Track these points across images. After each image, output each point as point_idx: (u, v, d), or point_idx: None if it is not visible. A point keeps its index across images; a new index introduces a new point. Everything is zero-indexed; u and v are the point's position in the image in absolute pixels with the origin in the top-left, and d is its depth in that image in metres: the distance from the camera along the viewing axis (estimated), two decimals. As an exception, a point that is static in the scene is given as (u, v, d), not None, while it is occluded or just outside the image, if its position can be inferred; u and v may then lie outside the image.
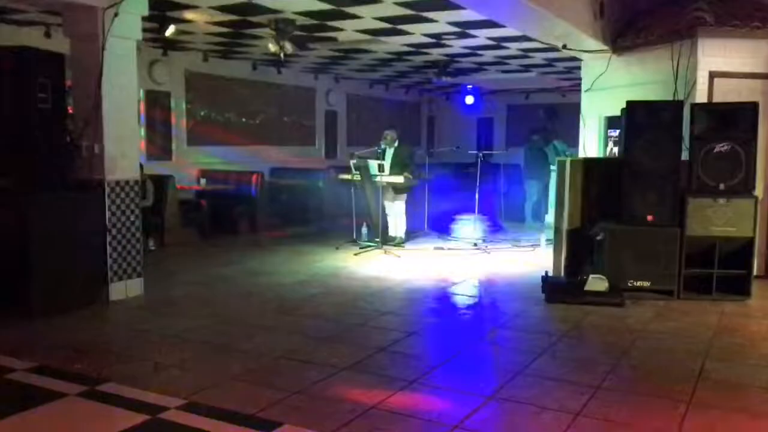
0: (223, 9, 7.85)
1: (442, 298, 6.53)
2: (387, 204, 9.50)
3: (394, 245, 9.30)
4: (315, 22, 8.49)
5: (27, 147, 5.66)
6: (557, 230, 7.28)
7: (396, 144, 9.51)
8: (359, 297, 6.49)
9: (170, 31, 8.56)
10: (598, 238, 6.49)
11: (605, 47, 8.21)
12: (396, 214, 9.56)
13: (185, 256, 8.70)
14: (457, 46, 10.21)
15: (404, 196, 9.52)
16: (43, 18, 8.24)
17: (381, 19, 8.29)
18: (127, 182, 6.23)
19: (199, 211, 10.20)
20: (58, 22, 7.50)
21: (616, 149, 9.83)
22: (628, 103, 6.49)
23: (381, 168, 9.04)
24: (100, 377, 4.12)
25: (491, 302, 6.44)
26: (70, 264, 5.71)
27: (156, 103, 10.95)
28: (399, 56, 11.44)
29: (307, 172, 12.58)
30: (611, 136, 9.08)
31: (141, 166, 7.07)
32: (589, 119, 8.99)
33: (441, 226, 10.99)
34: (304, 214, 11.69)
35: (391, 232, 9.61)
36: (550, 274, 6.90)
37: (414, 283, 7.10)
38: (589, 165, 7.21)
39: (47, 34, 8.81)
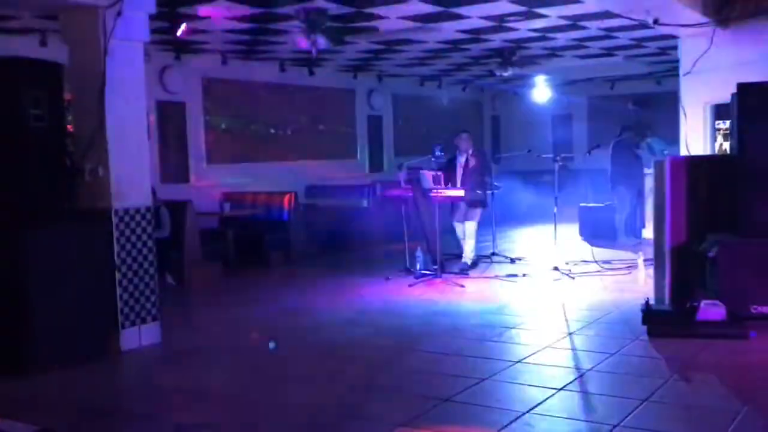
0: (242, 1, 7.98)
1: (519, 336, 6.41)
2: (457, 224, 9.55)
3: (459, 272, 9.24)
4: (351, 10, 8.56)
5: (19, 172, 5.77)
6: (658, 247, 7.15)
7: (470, 151, 9.50)
8: (416, 337, 6.43)
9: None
10: (710, 254, 6.34)
11: (707, 19, 8.06)
12: (466, 235, 9.56)
13: (209, 295, 8.79)
14: (524, 29, 10.14)
15: (478, 213, 9.52)
16: (41, 24, 8.53)
17: (429, 2, 8.30)
18: (137, 210, 6.32)
19: (223, 241, 10.32)
20: (55, 28, 7.76)
21: (726, 144, 9.58)
22: (740, 86, 6.36)
23: (437, 180, 9.00)
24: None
25: (580, 338, 6.29)
26: (72, 309, 5.78)
27: (169, 116, 11.19)
28: (454, 45, 11.43)
29: (348, 189, 12.63)
30: (720, 128, 8.89)
31: (154, 191, 7.20)
32: (691, 109, 8.84)
33: (512, 247, 10.81)
34: (346, 239, 11.71)
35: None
36: (652, 301, 6.76)
37: (483, 319, 7.01)
38: (694, 165, 7.06)
39: (43, 43, 9.12)
